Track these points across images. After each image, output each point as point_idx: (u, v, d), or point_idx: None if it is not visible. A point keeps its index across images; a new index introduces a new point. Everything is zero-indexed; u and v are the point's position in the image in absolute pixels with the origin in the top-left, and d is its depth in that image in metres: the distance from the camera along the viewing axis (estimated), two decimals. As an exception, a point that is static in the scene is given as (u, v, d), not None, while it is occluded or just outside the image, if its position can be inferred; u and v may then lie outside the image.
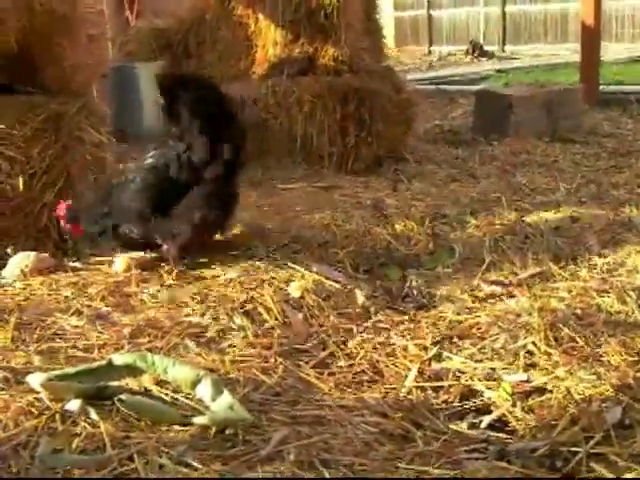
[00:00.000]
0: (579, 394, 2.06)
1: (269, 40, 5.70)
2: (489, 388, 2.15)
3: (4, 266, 3.12)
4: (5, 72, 3.55)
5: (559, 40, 22.70)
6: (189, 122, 3.06)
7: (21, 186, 3.33)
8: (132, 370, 2.09)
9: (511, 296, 2.84)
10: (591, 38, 8.79)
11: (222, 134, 3.07)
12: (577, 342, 2.35)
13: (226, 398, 1.95)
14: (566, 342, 2.36)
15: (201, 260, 3.13)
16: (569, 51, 18.16)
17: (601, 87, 8.87)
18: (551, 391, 2.10)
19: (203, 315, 2.63)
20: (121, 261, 3.12)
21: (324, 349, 2.45)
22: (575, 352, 2.30)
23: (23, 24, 3.38)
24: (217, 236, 3.34)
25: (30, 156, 3.36)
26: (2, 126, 3.34)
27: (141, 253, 3.20)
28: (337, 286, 2.89)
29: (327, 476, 1.70)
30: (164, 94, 3.16)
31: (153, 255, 3.19)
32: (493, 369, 2.25)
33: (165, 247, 3.11)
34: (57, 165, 3.41)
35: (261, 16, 5.76)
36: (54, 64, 3.56)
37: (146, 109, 5.93)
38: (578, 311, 2.58)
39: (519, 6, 24.14)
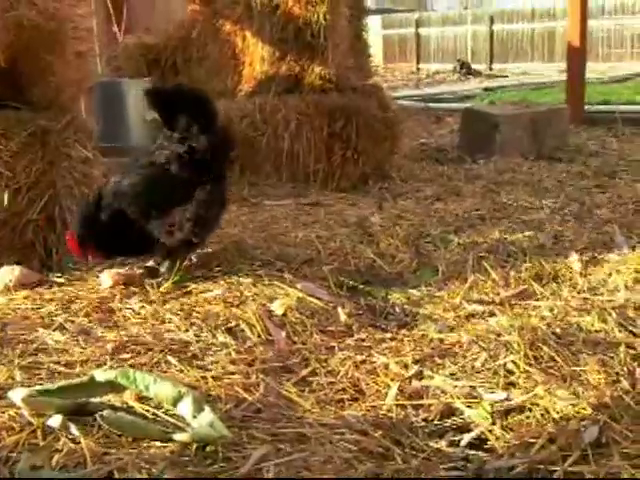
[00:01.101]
0: (557, 413, 2.08)
1: (256, 57, 5.72)
2: (469, 406, 2.16)
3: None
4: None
5: (546, 59, 22.93)
6: (190, 125, 3.11)
7: (6, 201, 3.33)
8: (114, 386, 2.09)
9: (492, 315, 2.87)
10: (577, 58, 8.87)
11: (217, 135, 3.16)
12: (556, 361, 2.38)
13: (207, 415, 1.96)
14: (546, 361, 2.38)
15: (186, 276, 3.14)
16: (556, 70, 18.32)
17: (586, 106, 8.95)
18: (530, 410, 2.12)
19: (186, 331, 2.65)
20: (106, 276, 3.13)
21: (306, 366, 2.47)
22: (554, 371, 2.32)
23: (10, 40, 3.39)
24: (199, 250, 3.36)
25: (16, 171, 3.36)
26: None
27: (126, 268, 3.22)
28: (320, 304, 2.91)
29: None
30: (160, 105, 3.19)
31: (140, 270, 3.21)
32: (473, 387, 2.27)
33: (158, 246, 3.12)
34: (43, 180, 3.41)
35: (248, 34, 5.79)
36: (41, 80, 3.56)
37: (133, 124, 5.94)
38: (558, 330, 2.60)
39: (506, 25, 24.36)
